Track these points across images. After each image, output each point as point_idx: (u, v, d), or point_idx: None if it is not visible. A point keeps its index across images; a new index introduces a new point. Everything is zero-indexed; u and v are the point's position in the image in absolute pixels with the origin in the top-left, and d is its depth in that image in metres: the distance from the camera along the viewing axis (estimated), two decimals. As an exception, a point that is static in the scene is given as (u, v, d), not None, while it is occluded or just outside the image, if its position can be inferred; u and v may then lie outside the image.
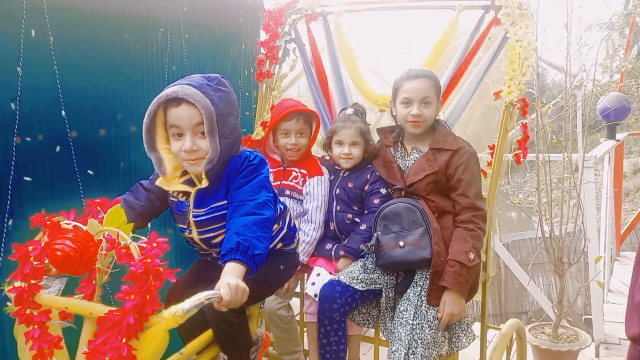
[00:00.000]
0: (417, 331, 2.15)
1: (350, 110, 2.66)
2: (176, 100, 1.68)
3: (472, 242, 2.20)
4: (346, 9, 2.91)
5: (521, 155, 2.60)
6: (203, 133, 1.70)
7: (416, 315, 2.18)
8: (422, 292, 2.24)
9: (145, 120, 1.72)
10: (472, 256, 2.17)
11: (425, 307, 2.20)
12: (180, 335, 1.98)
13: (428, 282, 2.23)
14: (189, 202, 1.84)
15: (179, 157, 1.75)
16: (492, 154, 2.50)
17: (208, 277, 1.88)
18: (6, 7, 2.26)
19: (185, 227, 1.88)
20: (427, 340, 2.15)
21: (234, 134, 1.77)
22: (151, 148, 1.77)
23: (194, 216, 1.83)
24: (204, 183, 1.77)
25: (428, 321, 2.17)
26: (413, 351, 2.12)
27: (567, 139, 3.95)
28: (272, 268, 1.98)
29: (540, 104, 3.67)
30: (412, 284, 2.28)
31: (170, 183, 1.82)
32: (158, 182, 1.83)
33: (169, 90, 1.69)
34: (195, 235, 1.86)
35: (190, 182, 1.83)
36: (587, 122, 4.11)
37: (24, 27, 2.30)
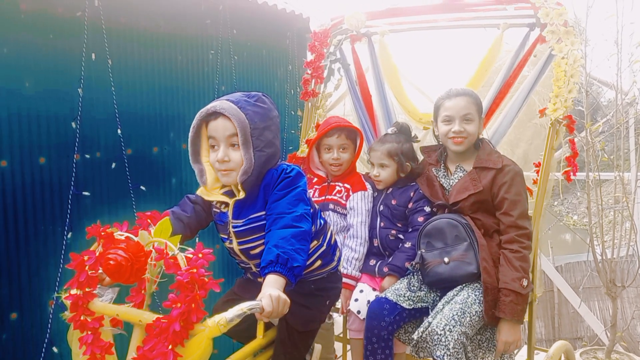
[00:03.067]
0: (461, 315, 2.10)
1: (390, 130, 2.69)
2: (214, 114, 1.79)
3: (520, 266, 2.16)
4: (390, 29, 2.95)
5: (571, 172, 2.54)
6: (236, 145, 1.78)
7: (463, 309, 2.13)
8: (471, 293, 2.20)
9: (190, 133, 1.83)
10: (525, 282, 2.14)
11: (470, 303, 2.16)
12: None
13: (475, 286, 2.22)
14: (229, 212, 1.91)
15: (214, 168, 1.85)
16: (537, 172, 2.46)
17: (247, 298, 1.94)
18: (69, 32, 2.42)
19: (227, 237, 1.95)
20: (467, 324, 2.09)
21: (270, 147, 1.83)
22: (195, 160, 1.87)
23: (233, 226, 1.89)
24: (241, 194, 1.84)
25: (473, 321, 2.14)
26: (450, 329, 2.07)
27: (618, 157, 3.82)
28: (319, 305, 2.05)
29: (589, 122, 3.58)
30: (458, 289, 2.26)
31: (210, 193, 1.90)
32: (199, 192, 1.92)
33: (209, 106, 1.80)
34: (235, 245, 1.93)
35: (230, 194, 1.90)
36: (641, 140, 3.98)
37: (85, 51, 2.45)
